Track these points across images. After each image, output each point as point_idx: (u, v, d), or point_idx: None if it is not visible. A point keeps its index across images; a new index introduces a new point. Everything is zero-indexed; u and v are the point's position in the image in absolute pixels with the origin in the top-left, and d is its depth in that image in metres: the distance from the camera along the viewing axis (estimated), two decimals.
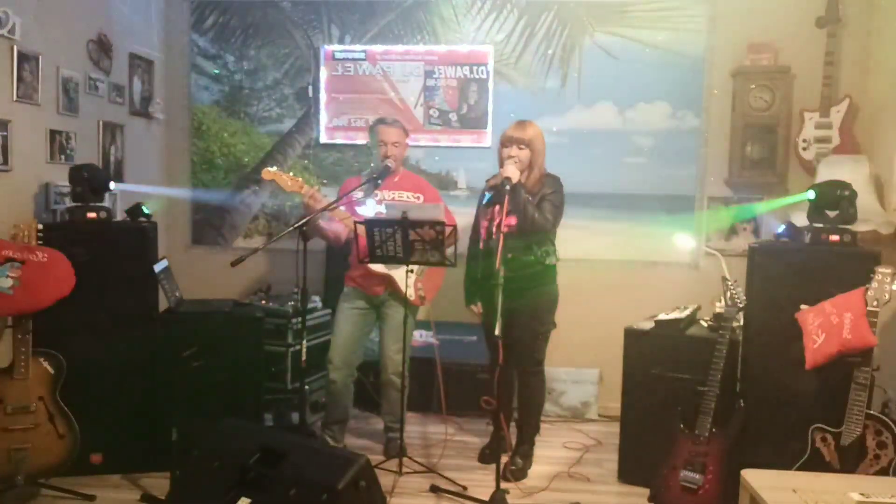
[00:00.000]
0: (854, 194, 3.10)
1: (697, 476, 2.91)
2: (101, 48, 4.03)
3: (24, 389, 3.01)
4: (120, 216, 3.86)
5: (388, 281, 3.57)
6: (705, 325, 3.50)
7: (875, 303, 2.62)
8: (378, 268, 3.51)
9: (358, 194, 3.55)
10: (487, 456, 3.67)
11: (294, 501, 2.30)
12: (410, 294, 3.44)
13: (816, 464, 2.68)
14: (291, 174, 3.43)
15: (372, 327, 3.74)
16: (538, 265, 3.43)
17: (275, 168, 3.42)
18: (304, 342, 3.34)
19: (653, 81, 4.41)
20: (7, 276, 2.90)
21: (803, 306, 2.88)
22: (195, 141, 4.77)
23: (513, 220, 3.26)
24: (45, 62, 3.52)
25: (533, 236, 3.39)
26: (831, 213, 3.13)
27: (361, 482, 2.34)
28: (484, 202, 3.44)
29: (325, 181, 4.63)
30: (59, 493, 3.11)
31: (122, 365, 3.35)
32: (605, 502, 3.30)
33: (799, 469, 2.67)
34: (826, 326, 2.71)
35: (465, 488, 3.30)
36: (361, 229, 3.29)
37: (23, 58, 3.37)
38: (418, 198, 3.65)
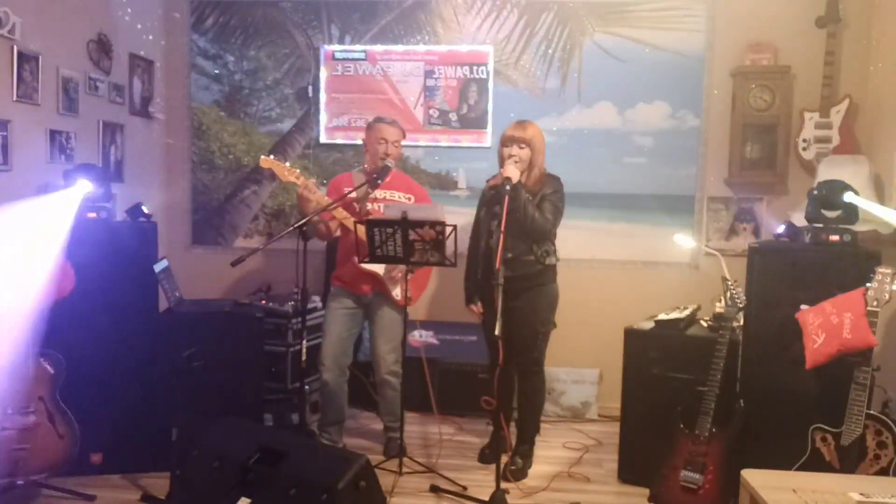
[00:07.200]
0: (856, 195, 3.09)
1: (697, 476, 2.91)
2: (101, 48, 4.03)
3: (23, 389, 3.01)
4: (120, 216, 3.86)
5: (376, 280, 3.56)
6: (705, 325, 3.50)
7: (875, 303, 2.62)
8: (370, 266, 3.50)
9: (355, 193, 3.55)
10: (487, 456, 3.67)
11: (294, 501, 2.30)
12: (397, 294, 3.43)
13: (816, 464, 2.67)
14: (288, 164, 3.43)
15: (361, 327, 3.73)
16: (538, 265, 3.42)
17: (272, 156, 3.43)
18: (304, 342, 3.34)
19: (653, 81, 4.41)
20: None
21: (803, 306, 2.88)
22: (195, 141, 4.77)
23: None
24: (45, 62, 3.52)
25: (533, 236, 3.38)
26: (831, 214, 3.12)
27: (361, 482, 2.34)
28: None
29: (324, 181, 4.63)
30: (59, 493, 3.11)
31: (122, 365, 3.35)
32: (605, 502, 3.30)
33: (799, 469, 2.67)
34: (826, 326, 2.70)
35: (465, 488, 3.30)
36: (361, 229, 3.28)
37: (23, 58, 3.37)
38: (409, 199, 3.63)
